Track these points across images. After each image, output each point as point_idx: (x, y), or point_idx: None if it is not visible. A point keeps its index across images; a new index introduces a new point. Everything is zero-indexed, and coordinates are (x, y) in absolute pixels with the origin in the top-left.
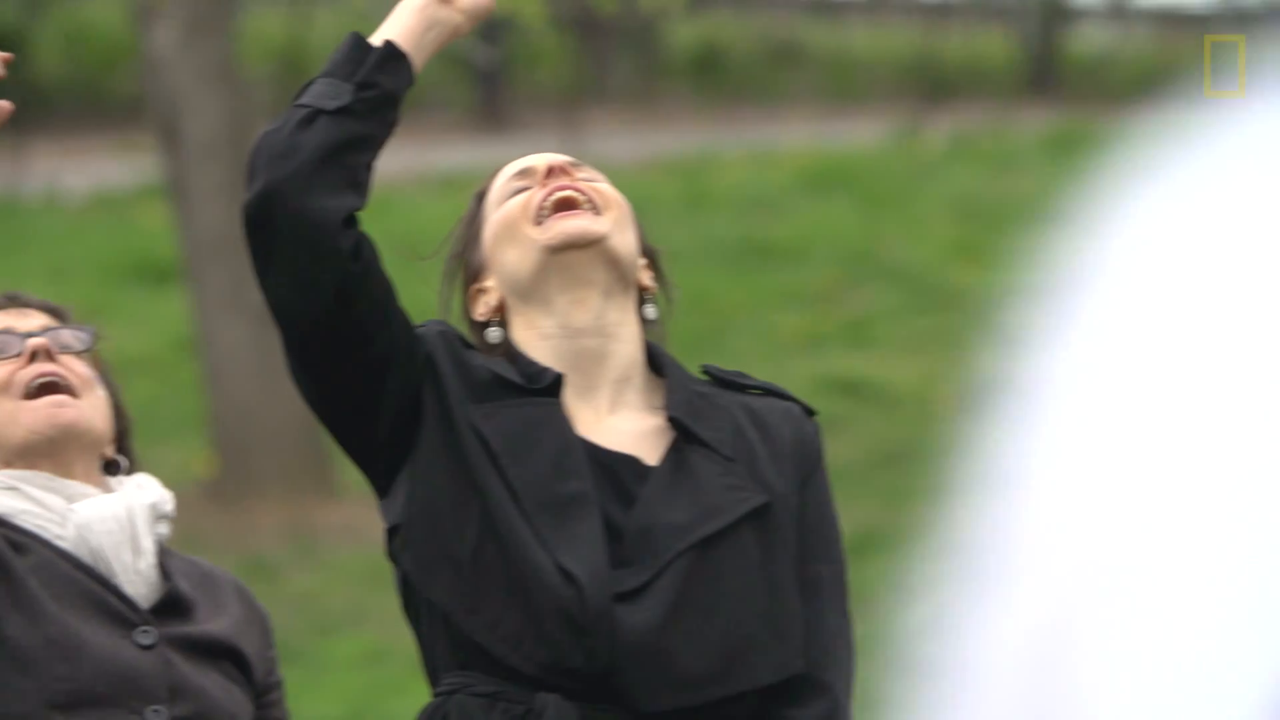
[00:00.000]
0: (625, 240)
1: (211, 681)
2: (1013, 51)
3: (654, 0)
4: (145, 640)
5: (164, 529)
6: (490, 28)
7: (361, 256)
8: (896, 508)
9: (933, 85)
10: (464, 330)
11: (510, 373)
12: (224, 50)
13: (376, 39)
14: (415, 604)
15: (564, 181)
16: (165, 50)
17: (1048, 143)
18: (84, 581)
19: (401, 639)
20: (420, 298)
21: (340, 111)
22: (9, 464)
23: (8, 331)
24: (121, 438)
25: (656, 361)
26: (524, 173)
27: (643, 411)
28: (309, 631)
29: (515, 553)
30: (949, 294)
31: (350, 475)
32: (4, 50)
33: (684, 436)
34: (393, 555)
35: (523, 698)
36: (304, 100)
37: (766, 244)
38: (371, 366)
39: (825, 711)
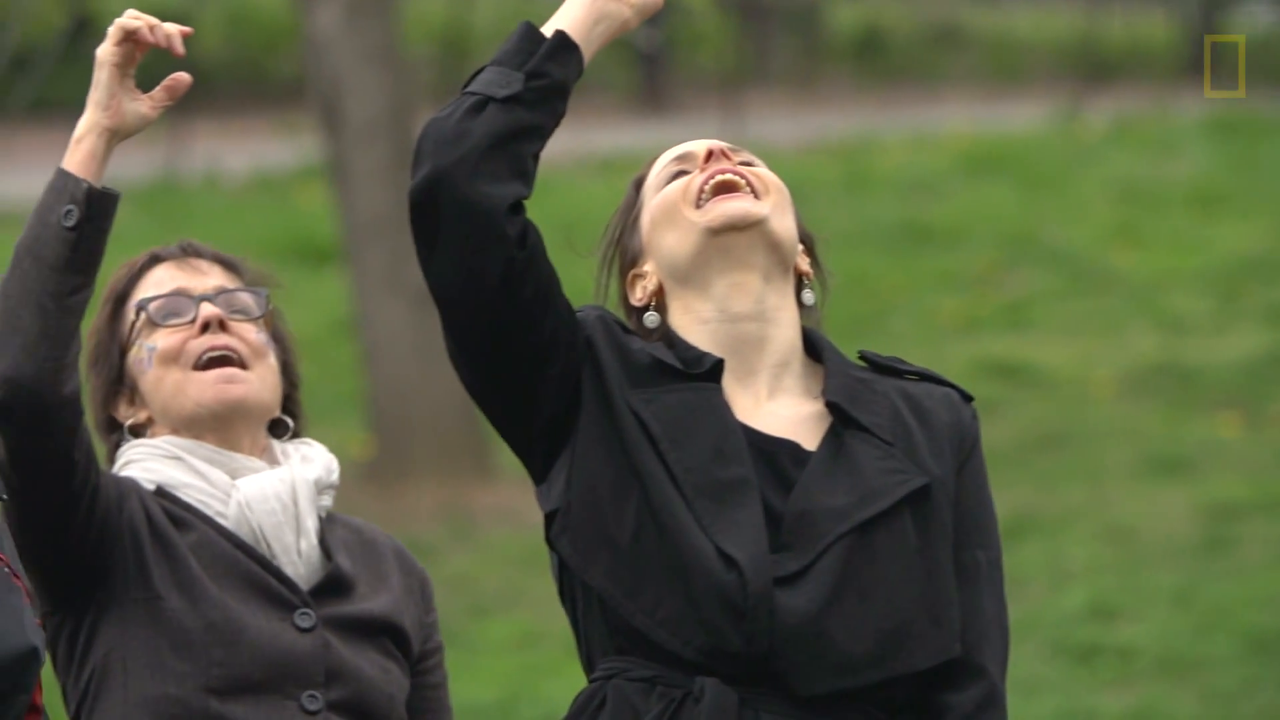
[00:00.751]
0: (785, 224)
1: (369, 661)
2: (1174, 34)
3: None
4: (305, 623)
5: (328, 500)
6: None
7: (527, 243)
8: (1052, 491)
9: (1093, 68)
10: (621, 316)
11: (669, 358)
12: (386, 31)
13: (547, 29)
14: (572, 589)
15: (724, 165)
16: (327, 31)
17: (1208, 126)
18: (244, 562)
19: (557, 621)
20: (579, 281)
21: (510, 100)
22: (175, 431)
23: (182, 294)
24: (290, 393)
25: (814, 347)
26: (683, 158)
27: (801, 397)
28: (464, 613)
29: (676, 537)
30: (1107, 277)
31: (507, 457)
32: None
33: (842, 421)
34: (551, 540)
35: (681, 681)
36: (473, 88)
37: (926, 227)
38: (533, 352)
39: (982, 695)
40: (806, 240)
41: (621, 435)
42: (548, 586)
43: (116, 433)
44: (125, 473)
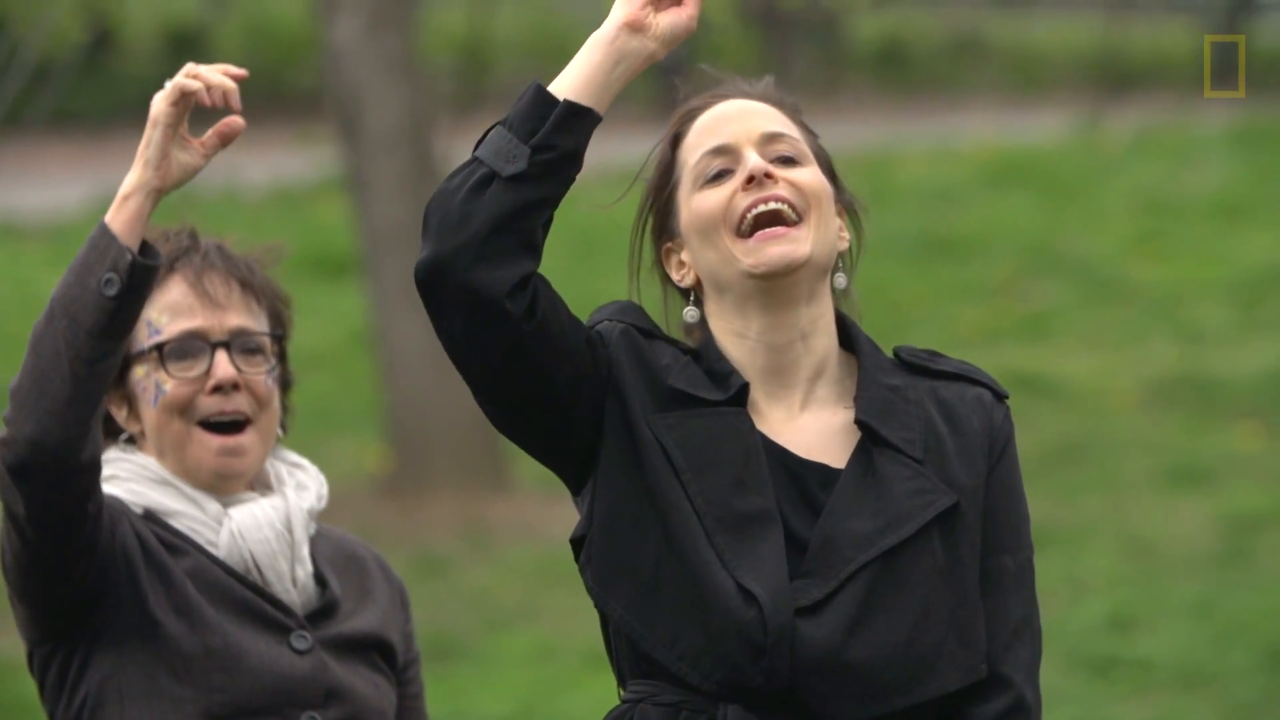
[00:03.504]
0: (826, 241)
1: (362, 679)
2: (1196, 44)
3: None
4: (301, 645)
5: (313, 528)
6: None
7: (535, 314)
8: (1071, 503)
9: (1115, 78)
10: (651, 286)
11: (695, 382)
12: (405, 43)
13: (560, 81)
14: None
15: (765, 194)
16: (347, 43)
17: (1231, 137)
18: (238, 589)
19: (573, 635)
20: (600, 292)
21: (515, 178)
22: (163, 458)
23: (198, 336)
24: (282, 397)
25: (848, 336)
26: (722, 150)
27: (834, 406)
28: (480, 627)
29: (696, 572)
30: (1128, 288)
31: (524, 471)
32: (187, 44)
33: (872, 439)
34: (579, 568)
35: (705, 707)
36: (481, 153)
37: (946, 237)
38: (554, 401)
39: (1008, 706)
40: (846, 206)
41: (644, 463)
42: (564, 600)
43: (111, 437)
44: (110, 488)
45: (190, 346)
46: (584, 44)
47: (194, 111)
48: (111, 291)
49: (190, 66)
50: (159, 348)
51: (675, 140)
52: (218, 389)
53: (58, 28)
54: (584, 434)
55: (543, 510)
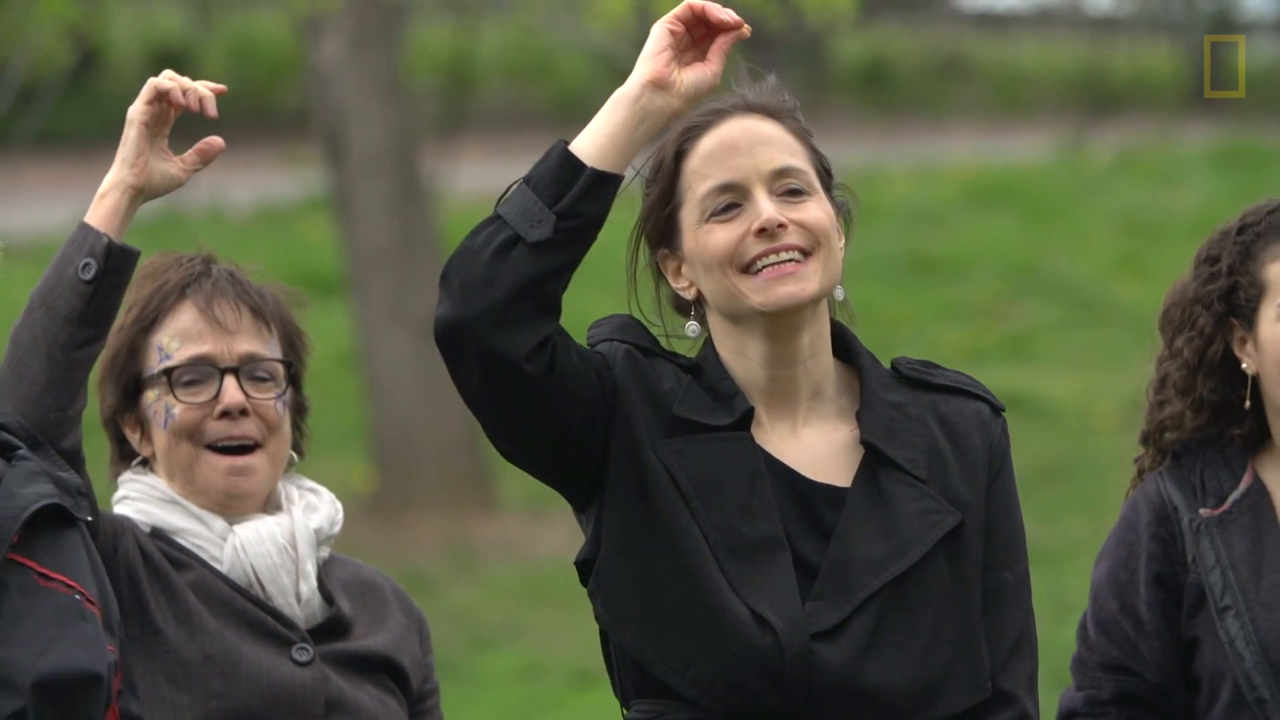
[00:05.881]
0: (832, 271)
1: (368, 695)
2: (1179, 65)
3: (821, 14)
4: (302, 657)
5: (325, 552)
6: None
7: (553, 371)
8: (1054, 523)
9: (1098, 99)
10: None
11: (700, 409)
12: (390, 63)
13: (583, 145)
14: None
15: (777, 245)
16: (332, 63)
17: (1213, 157)
18: (240, 601)
19: (558, 653)
20: (588, 312)
21: (540, 244)
22: (173, 480)
23: (206, 362)
24: (296, 423)
25: (844, 346)
26: (730, 188)
27: (835, 421)
28: (466, 646)
29: (709, 599)
30: (1111, 309)
31: (508, 490)
32: (173, 64)
33: (877, 459)
34: (589, 594)
35: None
36: (505, 212)
37: (930, 258)
38: (569, 437)
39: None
40: (841, 211)
41: (651, 489)
42: (549, 619)
43: (126, 460)
44: (120, 508)
45: (199, 372)
46: (607, 101)
47: (178, 132)
48: (88, 275)
49: (168, 71)
50: (168, 373)
51: (678, 156)
52: (225, 414)
53: (43, 49)
54: (594, 460)
55: (527, 529)
